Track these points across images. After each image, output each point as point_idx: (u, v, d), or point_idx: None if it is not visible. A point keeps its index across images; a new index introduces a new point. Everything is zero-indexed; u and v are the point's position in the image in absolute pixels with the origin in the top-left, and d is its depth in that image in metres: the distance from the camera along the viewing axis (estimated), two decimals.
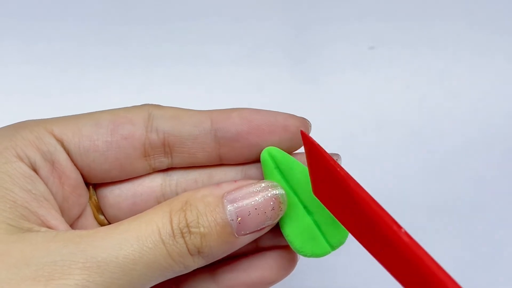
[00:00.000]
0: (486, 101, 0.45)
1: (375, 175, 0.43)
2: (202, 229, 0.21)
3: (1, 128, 0.23)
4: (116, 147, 0.24)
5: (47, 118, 0.24)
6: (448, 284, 0.16)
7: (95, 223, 0.26)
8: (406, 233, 0.17)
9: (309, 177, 0.23)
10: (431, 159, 0.43)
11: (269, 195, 0.22)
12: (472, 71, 0.46)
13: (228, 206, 0.22)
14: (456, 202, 0.41)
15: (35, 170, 0.22)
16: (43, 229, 0.21)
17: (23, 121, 0.24)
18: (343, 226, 0.22)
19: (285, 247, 0.25)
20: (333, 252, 0.24)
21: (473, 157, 0.44)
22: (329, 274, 0.38)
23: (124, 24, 0.44)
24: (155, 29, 0.44)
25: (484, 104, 0.45)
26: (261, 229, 0.22)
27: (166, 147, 0.24)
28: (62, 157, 0.23)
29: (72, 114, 0.25)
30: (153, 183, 0.25)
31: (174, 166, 0.25)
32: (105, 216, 0.26)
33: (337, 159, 0.25)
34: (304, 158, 0.24)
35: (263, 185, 0.23)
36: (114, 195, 0.25)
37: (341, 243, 0.24)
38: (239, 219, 0.22)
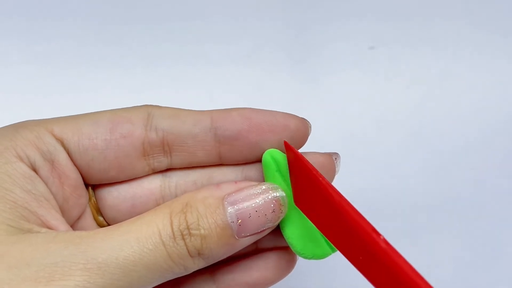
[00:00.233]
0: (486, 101, 0.45)
1: (375, 175, 0.43)
2: (202, 231, 0.21)
3: (1, 128, 0.23)
4: (115, 146, 0.24)
5: (47, 118, 0.24)
6: None
7: (95, 224, 0.26)
8: (384, 240, 0.18)
9: None
10: (431, 159, 0.44)
11: (269, 197, 0.22)
12: (472, 71, 0.46)
13: (229, 208, 0.22)
14: (456, 202, 0.41)
15: (35, 170, 0.22)
16: (43, 229, 0.21)
17: (23, 121, 0.24)
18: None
19: (284, 248, 0.25)
20: (335, 255, 0.24)
21: (473, 157, 0.44)
22: (329, 275, 0.38)
23: (124, 24, 0.44)
24: (155, 29, 0.44)
25: (484, 104, 0.45)
26: (261, 231, 0.22)
27: (166, 146, 0.24)
28: (62, 156, 0.23)
29: (72, 114, 0.25)
30: (152, 185, 0.25)
31: (173, 167, 0.25)
32: (104, 218, 0.26)
33: (336, 158, 0.25)
34: None
35: (263, 187, 0.23)
36: (113, 197, 0.25)
37: None
38: (239, 221, 0.22)
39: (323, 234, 0.22)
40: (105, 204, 0.26)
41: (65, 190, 0.24)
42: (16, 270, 0.19)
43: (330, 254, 0.24)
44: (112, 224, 0.22)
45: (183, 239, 0.21)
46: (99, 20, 0.44)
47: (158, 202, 0.25)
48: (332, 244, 0.24)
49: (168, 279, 0.22)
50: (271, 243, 0.26)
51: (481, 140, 0.44)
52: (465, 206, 0.41)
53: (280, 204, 0.23)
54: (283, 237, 0.24)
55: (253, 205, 0.22)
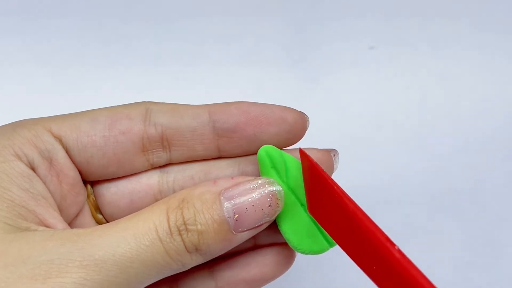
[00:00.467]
0: (486, 101, 0.45)
1: (374, 174, 0.43)
2: (199, 227, 0.21)
3: None
4: (114, 142, 0.24)
5: (45, 117, 0.24)
6: None
7: (93, 222, 0.26)
8: (399, 251, 0.18)
9: None
10: (431, 159, 0.43)
11: (266, 191, 0.22)
12: (472, 71, 0.46)
13: (225, 203, 0.22)
14: (456, 202, 0.41)
15: (33, 168, 0.22)
16: (41, 228, 0.21)
17: (21, 120, 0.24)
18: None
19: (283, 244, 0.25)
20: (334, 252, 0.24)
21: (473, 157, 0.44)
22: (329, 275, 0.38)
23: (124, 24, 0.44)
24: (155, 29, 0.44)
25: (484, 104, 0.45)
26: (258, 226, 0.22)
27: (164, 141, 0.24)
28: (60, 154, 0.23)
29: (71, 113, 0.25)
30: (151, 180, 0.25)
31: (172, 162, 0.25)
32: (103, 215, 0.26)
33: (334, 155, 0.25)
34: (296, 154, 0.24)
35: (260, 181, 0.23)
36: (111, 193, 0.25)
37: None
38: (236, 216, 0.22)
39: (337, 242, 0.22)
40: (104, 200, 0.26)
41: (63, 188, 0.24)
42: (13, 268, 0.19)
43: (328, 249, 0.24)
44: (111, 221, 0.22)
45: (180, 234, 0.21)
46: (99, 20, 0.44)
47: (156, 197, 0.25)
48: (330, 239, 0.24)
49: (166, 276, 0.22)
50: (269, 239, 0.26)
51: (481, 140, 0.44)
52: (465, 206, 0.41)
53: (277, 198, 0.23)
54: (281, 233, 0.24)
55: (250, 199, 0.22)
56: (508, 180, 0.42)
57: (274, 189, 0.23)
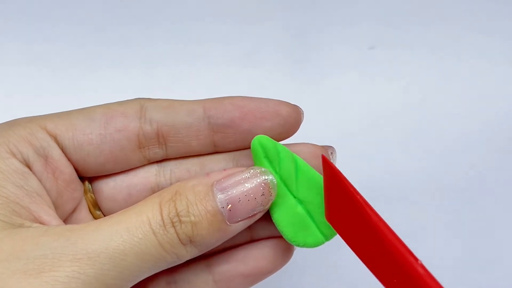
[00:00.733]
0: (486, 102, 0.45)
1: (375, 174, 0.43)
2: (192, 218, 0.21)
3: None
4: (110, 140, 0.24)
5: (40, 115, 0.24)
6: None
7: (89, 217, 0.26)
8: (422, 265, 0.18)
9: (298, 167, 0.23)
10: (431, 159, 0.43)
11: (258, 180, 0.22)
12: (472, 72, 0.46)
13: (218, 194, 0.22)
14: (456, 201, 0.41)
15: (28, 165, 0.23)
16: (35, 224, 0.21)
17: (16, 119, 0.24)
18: None
19: (281, 237, 0.25)
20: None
21: (473, 157, 0.43)
22: (329, 274, 0.38)
23: (123, 24, 0.44)
24: (155, 30, 0.45)
25: (483, 105, 0.45)
26: (252, 216, 0.22)
27: (160, 137, 0.25)
28: (56, 152, 0.24)
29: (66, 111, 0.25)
30: (148, 174, 0.26)
31: (168, 157, 0.26)
32: (102, 211, 0.26)
33: (331, 152, 0.25)
34: (295, 148, 0.24)
35: (252, 171, 0.23)
36: (109, 188, 0.26)
37: (335, 233, 0.24)
38: (229, 206, 0.22)
39: (356, 253, 0.21)
40: (102, 195, 0.26)
41: (59, 184, 0.24)
42: (6, 263, 0.19)
43: (323, 242, 0.24)
44: None
45: (173, 226, 0.21)
46: (99, 21, 0.44)
47: (153, 190, 0.26)
48: (325, 232, 0.24)
49: (162, 269, 0.22)
50: (267, 232, 0.26)
51: (480, 140, 0.44)
52: (465, 205, 0.41)
53: (269, 187, 0.23)
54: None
55: (242, 189, 0.22)
56: (508, 180, 0.42)
57: (267, 177, 0.23)
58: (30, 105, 0.41)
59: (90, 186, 0.26)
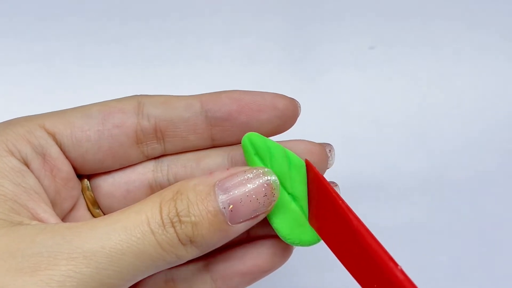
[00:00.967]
0: (486, 101, 0.45)
1: (374, 174, 0.43)
2: (193, 218, 0.21)
3: None
4: (109, 136, 0.24)
5: (38, 114, 0.24)
6: None
7: (88, 216, 0.26)
8: (402, 271, 0.18)
9: (291, 163, 0.23)
10: (431, 159, 0.43)
11: (261, 181, 0.22)
12: (472, 71, 0.46)
13: (220, 194, 0.21)
14: (456, 201, 0.41)
15: (26, 164, 0.23)
16: (33, 222, 0.21)
17: (14, 118, 0.24)
18: None
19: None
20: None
21: (473, 157, 0.43)
22: (327, 274, 0.38)
23: (123, 23, 0.44)
24: (155, 29, 0.45)
25: (484, 104, 0.45)
26: (254, 217, 0.22)
27: (158, 132, 0.25)
28: (54, 150, 0.24)
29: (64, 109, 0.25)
30: (146, 170, 0.26)
31: (167, 153, 0.26)
32: (101, 209, 0.26)
33: (330, 150, 0.25)
34: (290, 145, 0.24)
35: (254, 171, 0.22)
36: (108, 184, 0.26)
37: None
38: (231, 206, 0.21)
39: (337, 257, 0.21)
40: (101, 192, 0.26)
41: (57, 182, 0.24)
42: (1, 261, 0.19)
43: (319, 240, 0.24)
44: None
45: (173, 226, 0.21)
46: (98, 20, 0.44)
47: (151, 185, 0.26)
48: None
49: (162, 269, 0.21)
50: (266, 230, 0.25)
51: (481, 140, 0.44)
52: (465, 206, 0.41)
53: (272, 188, 0.22)
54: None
55: (245, 190, 0.22)
56: (508, 180, 0.42)
57: (269, 178, 0.22)
58: (29, 104, 0.42)
59: (89, 184, 0.26)
